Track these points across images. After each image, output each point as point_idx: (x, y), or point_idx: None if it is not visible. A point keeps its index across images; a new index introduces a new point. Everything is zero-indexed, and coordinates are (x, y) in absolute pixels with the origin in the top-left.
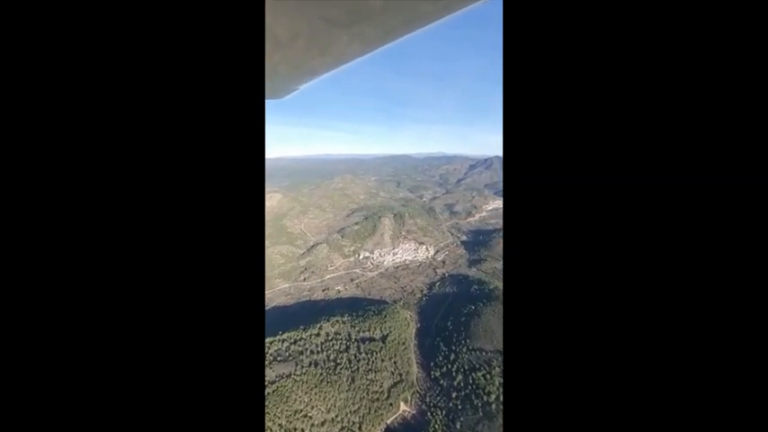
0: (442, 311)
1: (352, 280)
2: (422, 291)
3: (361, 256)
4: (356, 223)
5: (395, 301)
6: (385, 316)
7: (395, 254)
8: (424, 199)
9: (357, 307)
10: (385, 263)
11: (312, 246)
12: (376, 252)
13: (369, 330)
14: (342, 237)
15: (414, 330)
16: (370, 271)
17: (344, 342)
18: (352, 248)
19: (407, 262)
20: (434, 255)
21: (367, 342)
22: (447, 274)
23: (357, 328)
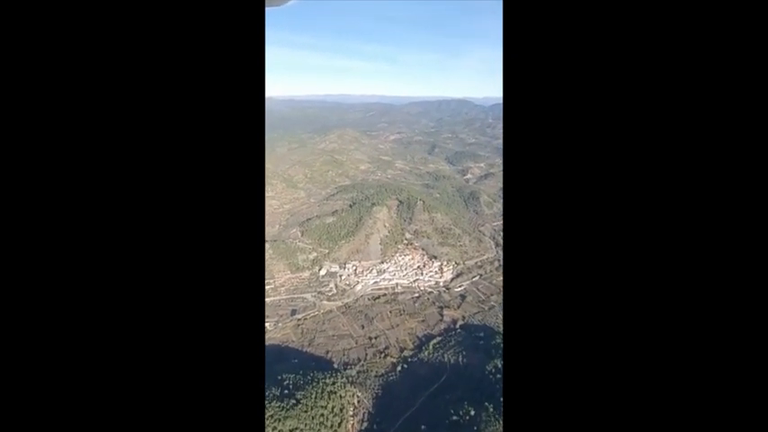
0: (418, 405)
1: (293, 313)
2: (401, 351)
3: (322, 272)
4: (334, 212)
5: (345, 366)
6: (299, 400)
7: (381, 272)
8: (468, 176)
9: (272, 370)
10: (358, 288)
11: None
12: (349, 265)
13: None
14: (302, 233)
15: None
16: (330, 299)
17: None
18: (313, 256)
19: (399, 289)
20: (452, 281)
21: None
22: (461, 323)
23: None
